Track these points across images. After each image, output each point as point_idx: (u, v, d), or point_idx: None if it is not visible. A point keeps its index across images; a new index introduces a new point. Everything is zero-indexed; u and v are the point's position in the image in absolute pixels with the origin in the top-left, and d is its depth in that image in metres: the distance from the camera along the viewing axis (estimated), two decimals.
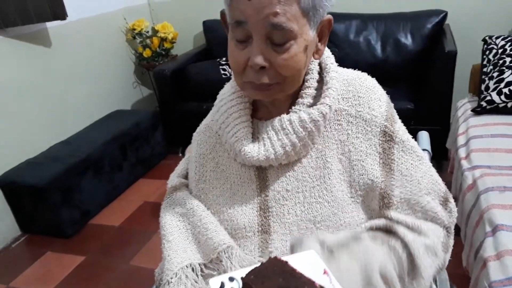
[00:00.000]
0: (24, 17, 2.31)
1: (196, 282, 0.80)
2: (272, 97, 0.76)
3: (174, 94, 2.94)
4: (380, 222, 0.79)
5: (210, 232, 0.82)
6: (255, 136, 0.82)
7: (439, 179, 0.84)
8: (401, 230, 0.76)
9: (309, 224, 0.78)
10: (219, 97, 0.89)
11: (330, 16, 0.75)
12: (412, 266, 0.75)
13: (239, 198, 0.84)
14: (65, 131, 2.72)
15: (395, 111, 0.85)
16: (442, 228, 0.82)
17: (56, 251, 2.28)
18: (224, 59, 3.00)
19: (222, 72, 2.92)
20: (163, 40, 3.20)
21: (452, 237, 0.84)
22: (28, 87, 2.47)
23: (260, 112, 0.85)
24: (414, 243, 0.75)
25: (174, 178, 0.97)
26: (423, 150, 0.98)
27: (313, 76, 0.81)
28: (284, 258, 0.64)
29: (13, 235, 2.42)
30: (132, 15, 3.25)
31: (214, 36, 3.19)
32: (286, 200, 0.80)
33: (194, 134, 0.95)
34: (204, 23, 3.24)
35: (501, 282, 1.04)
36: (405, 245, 0.75)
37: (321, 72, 0.82)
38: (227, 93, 0.86)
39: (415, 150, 0.82)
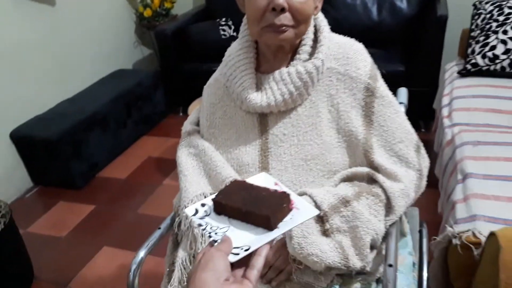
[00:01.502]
0: None
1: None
2: (286, 39, 0.89)
3: (175, 54, 3.03)
4: (364, 170, 0.94)
5: (219, 168, 0.98)
6: (258, 87, 0.96)
7: (412, 130, 1.00)
8: (380, 178, 0.92)
9: (301, 162, 0.94)
10: (227, 53, 1.03)
11: None
12: (389, 207, 0.92)
13: (244, 141, 0.99)
14: (71, 89, 2.84)
15: (378, 71, 0.99)
16: (415, 171, 0.97)
17: (68, 200, 2.45)
18: (223, 19, 3.07)
19: (222, 32, 3.00)
20: None
21: (424, 179, 1.00)
22: (34, 46, 2.57)
23: (263, 67, 0.98)
24: (391, 189, 0.91)
25: (187, 125, 1.14)
26: (401, 103, 1.12)
27: (309, 36, 0.94)
28: (241, 179, 0.79)
29: (26, 186, 2.59)
30: None
31: None
32: (283, 142, 0.96)
33: (205, 87, 1.10)
34: None
35: (464, 219, 1.21)
36: (384, 191, 0.91)
37: (316, 33, 0.96)
38: (234, 50, 1.00)
39: (392, 105, 0.97)
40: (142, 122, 3.03)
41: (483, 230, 1.11)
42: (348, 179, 0.94)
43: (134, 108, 2.93)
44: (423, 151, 1.02)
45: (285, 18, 0.85)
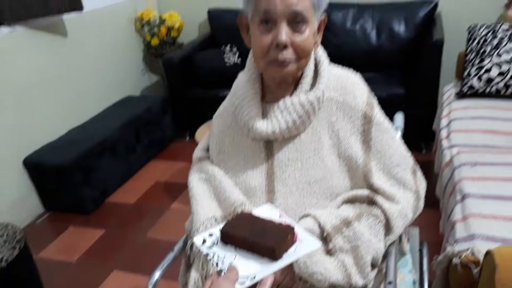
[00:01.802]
0: (44, 8, 2.50)
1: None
2: (289, 72, 0.97)
3: (182, 81, 3.13)
4: (364, 192, 1.00)
5: (228, 192, 1.04)
6: (264, 115, 1.04)
7: (408, 154, 1.06)
8: (380, 200, 0.98)
9: (305, 185, 1.01)
10: (234, 84, 1.12)
11: (325, 16, 0.99)
12: (388, 227, 0.98)
13: (251, 166, 1.06)
14: (81, 116, 2.93)
15: (375, 99, 1.06)
16: (412, 193, 1.03)
17: (78, 225, 2.51)
18: (228, 47, 3.18)
19: (226, 60, 3.11)
20: (170, 29, 3.37)
21: (421, 200, 1.05)
22: (46, 75, 2.67)
23: (268, 97, 1.06)
24: (390, 210, 0.97)
25: (198, 151, 1.21)
26: (397, 127, 1.18)
27: (310, 68, 1.02)
28: (248, 211, 0.85)
29: (37, 212, 2.65)
30: (140, 5, 3.43)
31: (218, 24, 3.37)
32: (288, 167, 1.02)
33: (214, 115, 1.18)
34: (209, 12, 3.41)
35: (463, 239, 1.25)
36: (383, 212, 0.97)
37: (316, 66, 1.04)
38: (242, 81, 1.08)
39: (389, 131, 1.04)
40: (151, 147, 3.11)
41: (481, 249, 1.15)
42: (349, 201, 1.00)
43: (143, 134, 3.02)
44: (419, 173, 1.08)
45: (288, 54, 0.93)
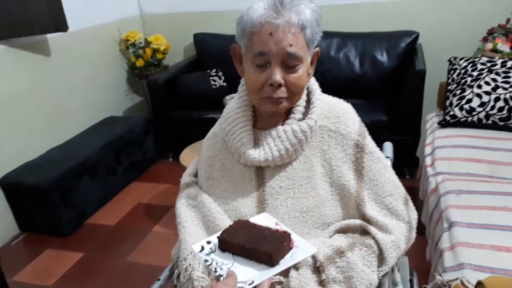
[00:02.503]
0: (28, 28, 2.47)
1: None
2: (282, 108, 0.98)
3: (166, 103, 3.12)
4: (357, 222, 0.99)
5: (217, 220, 1.02)
6: (255, 142, 1.03)
7: (400, 184, 1.07)
8: (373, 230, 0.98)
9: (297, 214, 0.99)
10: (225, 110, 1.10)
11: (318, 48, 0.99)
12: (381, 258, 0.97)
13: (241, 193, 1.04)
14: (61, 136, 2.87)
15: (366, 128, 1.07)
16: (405, 223, 1.03)
17: (55, 248, 2.42)
18: (214, 70, 3.20)
19: (212, 83, 3.12)
20: (155, 51, 3.38)
21: (413, 231, 1.05)
22: (27, 94, 2.62)
23: (259, 124, 1.06)
24: (383, 240, 0.97)
25: (186, 177, 1.19)
26: (387, 157, 1.20)
27: (302, 97, 1.03)
28: (245, 219, 0.87)
29: (12, 234, 2.55)
30: (126, 26, 3.42)
31: (204, 48, 3.40)
32: (279, 195, 1.01)
33: (204, 140, 1.16)
34: (195, 35, 3.44)
35: (452, 268, 1.26)
36: (377, 242, 0.97)
37: (308, 95, 1.04)
38: (233, 108, 1.07)
39: (381, 160, 1.05)
40: (132, 168, 3.06)
41: (471, 278, 1.16)
42: (342, 230, 0.99)
43: (124, 155, 2.97)
44: (411, 204, 1.08)
45: (282, 92, 0.94)
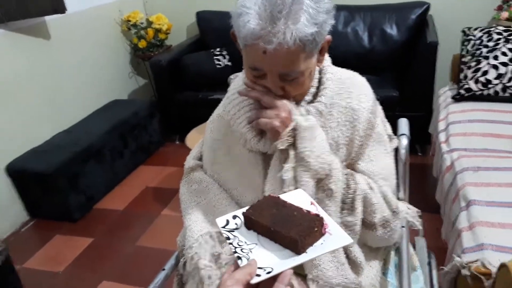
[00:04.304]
0: (25, 11, 2.40)
1: (214, 246, 0.95)
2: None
3: (170, 84, 3.05)
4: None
5: (223, 206, 0.98)
6: None
7: (395, 175, 1.01)
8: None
9: None
10: (230, 90, 1.03)
11: (329, 37, 0.88)
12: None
13: (247, 179, 0.99)
14: (66, 121, 2.83)
15: (379, 107, 1.00)
16: (390, 211, 0.96)
17: (64, 234, 2.41)
18: (218, 49, 3.11)
19: (216, 62, 3.04)
20: (157, 31, 3.29)
21: (397, 220, 0.97)
22: (29, 79, 2.57)
23: None
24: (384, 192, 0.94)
25: (190, 160, 1.13)
26: (402, 134, 1.13)
27: (314, 77, 0.95)
28: (275, 195, 0.78)
29: (21, 220, 2.54)
30: (126, 7, 3.33)
31: (207, 26, 3.30)
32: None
33: (208, 122, 1.10)
34: (198, 14, 3.33)
35: (472, 249, 1.21)
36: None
37: (320, 73, 0.97)
38: (238, 88, 0.99)
39: (385, 144, 1.00)
40: (139, 151, 3.02)
41: (492, 260, 1.11)
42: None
43: (131, 138, 2.93)
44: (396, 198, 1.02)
45: (283, 97, 0.88)
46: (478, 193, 1.42)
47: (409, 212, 1.03)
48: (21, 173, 2.43)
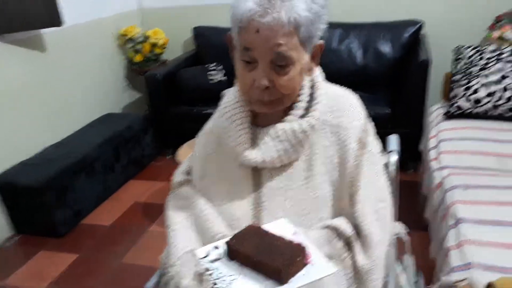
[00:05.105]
0: (21, 24, 2.40)
1: (197, 265, 0.92)
2: (274, 110, 0.90)
3: (165, 98, 3.04)
4: (347, 229, 0.89)
5: (209, 223, 0.94)
6: (253, 141, 0.95)
7: (390, 194, 0.98)
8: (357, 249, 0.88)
9: (295, 217, 0.91)
10: (222, 104, 1.02)
11: (322, 42, 0.89)
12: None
13: (237, 194, 0.96)
14: (58, 133, 2.80)
15: (371, 125, 0.99)
16: (389, 236, 0.94)
17: (49, 249, 2.36)
18: (213, 64, 3.12)
19: (211, 77, 3.05)
20: (154, 45, 3.30)
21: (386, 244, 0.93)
22: (22, 90, 2.55)
23: (259, 119, 0.97)
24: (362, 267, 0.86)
25: (179, 175, 1.11)
26: (391, 151, 1.11)
27: (305, 92, 0.94)
28: (257, 225, 0.77)
29: (6, 235, 2.49)
30: (124, 21, 3.36)
31: (204, 41, 3.32)
32: (277, 196, 0.93)
33: (199, 135, 1.08)
34: (194, 29, 3.36)
35: (460, 267, 1.18)
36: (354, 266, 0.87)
37: (312, 88, 0.96)
38: (231, 102, 0.98)
39: (379, 163, 0.97)
40: (130, 166, 2.99)
41: (480, 279, 1.08)
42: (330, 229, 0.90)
43: (123, 152, 2.90)
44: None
45: (271, 94, 0.86)
46: (467, 211, 1.40)
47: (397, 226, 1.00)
48: (8, 187, 2.38)
